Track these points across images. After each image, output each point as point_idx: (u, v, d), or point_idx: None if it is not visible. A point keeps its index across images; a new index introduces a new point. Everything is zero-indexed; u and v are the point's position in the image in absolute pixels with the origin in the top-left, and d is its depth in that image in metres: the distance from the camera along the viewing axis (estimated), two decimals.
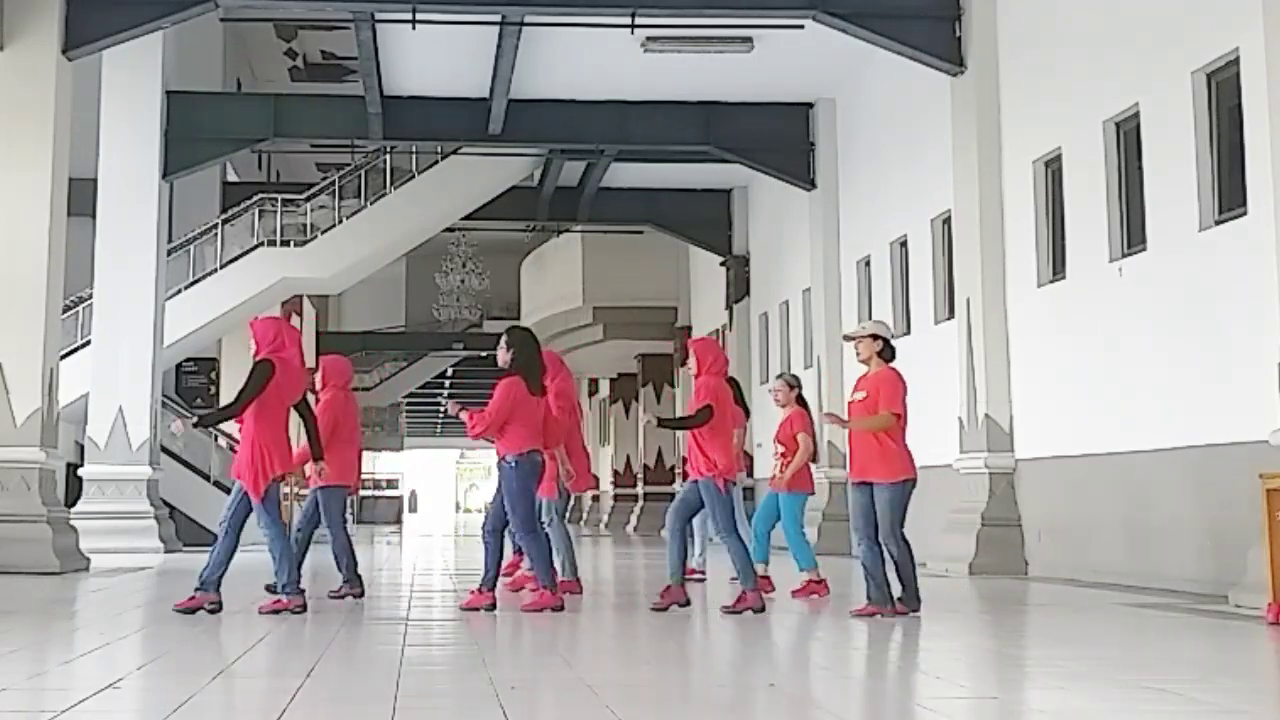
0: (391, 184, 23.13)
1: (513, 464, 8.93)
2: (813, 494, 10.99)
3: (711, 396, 9.02)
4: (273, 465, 8.72)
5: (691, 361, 9.34)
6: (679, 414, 10.23)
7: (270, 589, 9.19)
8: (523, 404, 8.97)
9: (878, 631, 8.16)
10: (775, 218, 22.72)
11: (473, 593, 9.11)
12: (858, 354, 9.04)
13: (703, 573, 11.99)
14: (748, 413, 11.77)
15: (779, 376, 11.26)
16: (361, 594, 10.06)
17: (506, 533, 9.31)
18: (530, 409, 9.05)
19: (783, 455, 10.69)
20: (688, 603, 9.14)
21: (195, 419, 9.47)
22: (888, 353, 8.96)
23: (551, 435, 9.88)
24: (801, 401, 10.91)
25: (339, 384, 10.33)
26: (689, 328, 29.18)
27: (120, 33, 14.93)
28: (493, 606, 8.97)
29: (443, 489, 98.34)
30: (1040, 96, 13.53)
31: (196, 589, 8.79)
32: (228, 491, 22.53)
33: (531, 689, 5.75)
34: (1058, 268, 13.24)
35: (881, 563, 8.70)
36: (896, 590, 8.76)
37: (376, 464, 76.77)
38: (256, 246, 22.97)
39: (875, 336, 8.97)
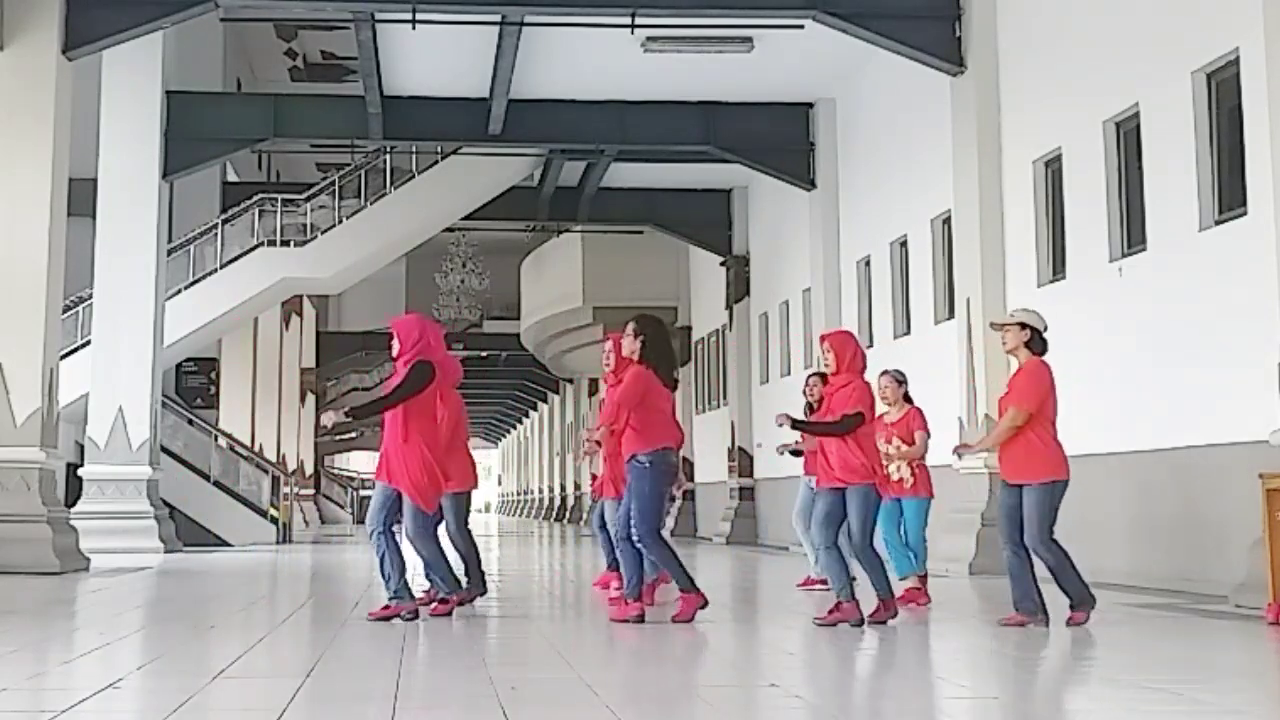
0: (391, 184, 23.13)
1: (645, 463, 8.22)
2: (933, 498, 10.25)
3: (861, 401, 8.21)
4: (446, 478, 8.50)
5: (830, 358, 8.37)
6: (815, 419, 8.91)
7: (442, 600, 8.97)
8: (654, 396, 8.30)
9: (879, 632, 8.15)
10: (775, 218, 22.72)
11: (616, 601, 8.74)
12: (1004, 344, 8.47)
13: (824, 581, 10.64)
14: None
15: (885, 373, 10.39)
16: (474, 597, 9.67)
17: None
18: (663, 402, 8.37)
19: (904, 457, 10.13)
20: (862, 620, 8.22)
21: (348, 409, 8.80)
22: (1037, 344, 8.33)
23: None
24: (908, 398, 10.34)
25: (451, 383, 9.50)
26: (689, 327, 29.21)
27: (120, 33, 14.93)
28: (641, 618, 8.28)
29: None
30: (1040, 96, 13.53)
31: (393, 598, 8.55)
32: (228, 491, 22.81)
33: (531, 689, 5.75)
34: (1058, 268, 13.24)
35: (1029, 568, 8.16)
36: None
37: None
38: (256, 246, 22.96)
39: (1024, 326, 8.35)
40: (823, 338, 8.63)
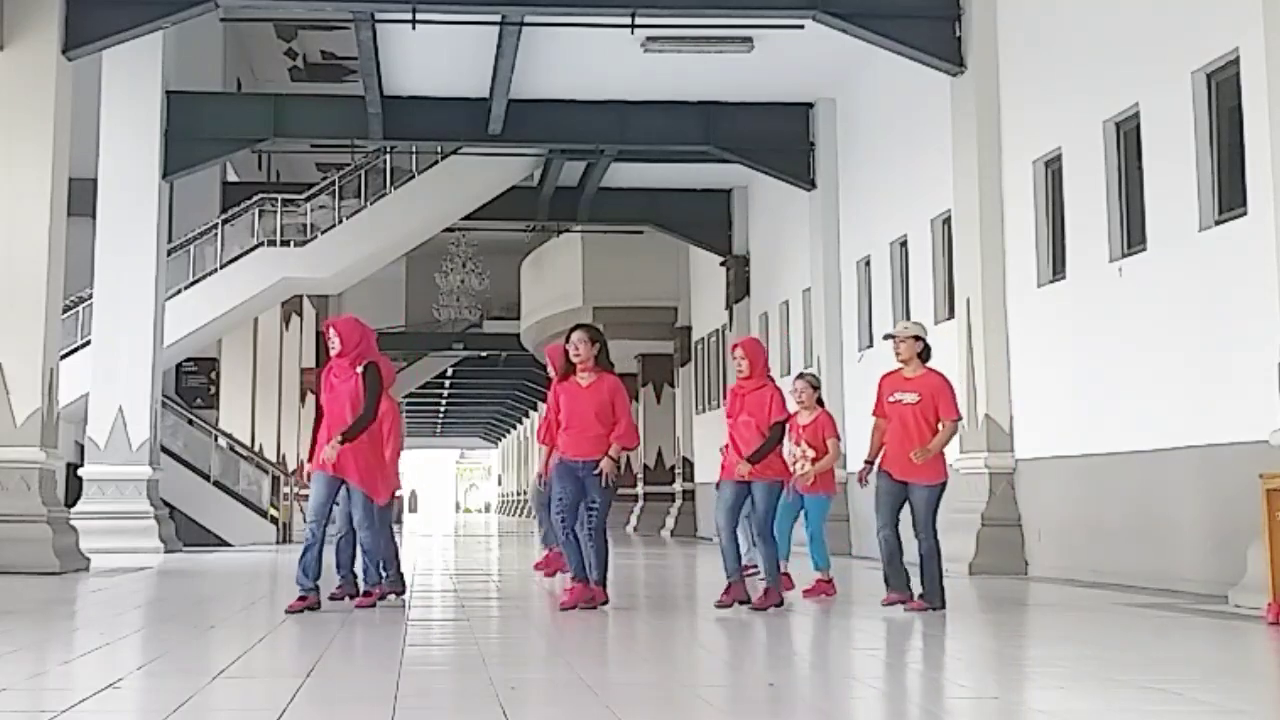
0: (391, 184, 23.13)
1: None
2: (835, 494, 10.92)
3: (785, 407, 9.17)
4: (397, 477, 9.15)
5: (744, 364, 9.20)
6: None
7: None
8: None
9: (879, 632, 8.17)
10: (775, 218, 22.72)
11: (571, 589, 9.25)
12: (898, 354, 9.27)
13: (755, 567, 10.97)
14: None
15: (800, 376, 11.01)
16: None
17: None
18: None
19: (811, 459, 10.44)
20: (748, 600, 9.08)
21: (342, 438, 8.86)
22: (927, 354, 9.28)
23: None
24: (820, 402, 10.78)
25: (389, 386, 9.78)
26: (689, 327, 29.21)
27: (120, 33, 14.93)
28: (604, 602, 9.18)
29: (443, 489, 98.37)
30: (1040, 96, 13.53)
31: (372, 585, 9.31)
32: (228, 491, 22.78)
33: (531, 689, 5.75)
34: (1058, 268, 13.24)
35: (899, 551, 9.01)
36: (917, 584, 8.98)
37: None
38: (256, 246, 22.98)
39: (918, 338, 9.26)
40: (734, 346, 9.46)
